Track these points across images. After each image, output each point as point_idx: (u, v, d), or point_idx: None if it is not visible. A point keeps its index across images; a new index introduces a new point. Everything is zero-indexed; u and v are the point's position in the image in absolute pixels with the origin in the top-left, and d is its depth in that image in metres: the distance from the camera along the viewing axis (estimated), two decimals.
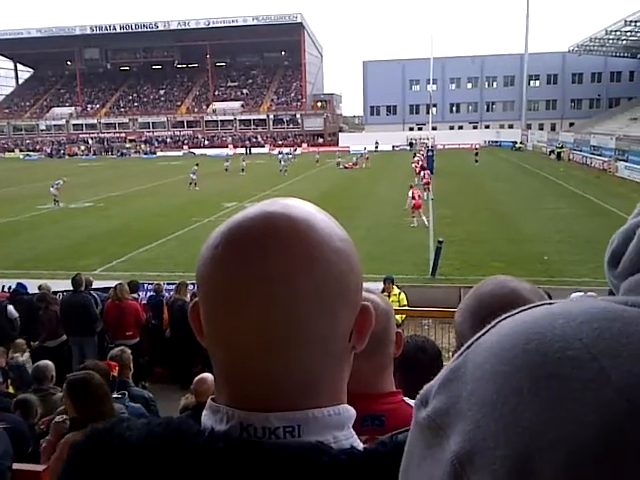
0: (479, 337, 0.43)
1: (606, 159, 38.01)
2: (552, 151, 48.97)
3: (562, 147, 46.85)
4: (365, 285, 0.83)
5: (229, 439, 0.64)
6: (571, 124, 69.44)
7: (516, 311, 0.43)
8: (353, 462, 0.64)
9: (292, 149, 61.67)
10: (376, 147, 62.59)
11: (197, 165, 34.85)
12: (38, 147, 79.42)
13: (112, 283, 9.65)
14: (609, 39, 56.57)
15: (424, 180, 26.89)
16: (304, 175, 39.41)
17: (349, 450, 0.66)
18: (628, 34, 52.34)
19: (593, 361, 0.36)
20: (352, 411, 0.70)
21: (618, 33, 53.02)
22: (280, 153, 50.37)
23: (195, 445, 0.64)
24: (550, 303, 0.42)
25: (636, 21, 46.78)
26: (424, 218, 20.18)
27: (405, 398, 1.50)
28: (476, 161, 43.90)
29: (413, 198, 20.55)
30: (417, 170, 33.49)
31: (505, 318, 0.43)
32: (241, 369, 0.66)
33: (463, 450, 0.38)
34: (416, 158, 39.06)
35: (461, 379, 0.41)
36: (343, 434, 0.68)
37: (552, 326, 0.39)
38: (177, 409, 4.93)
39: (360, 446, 0.68)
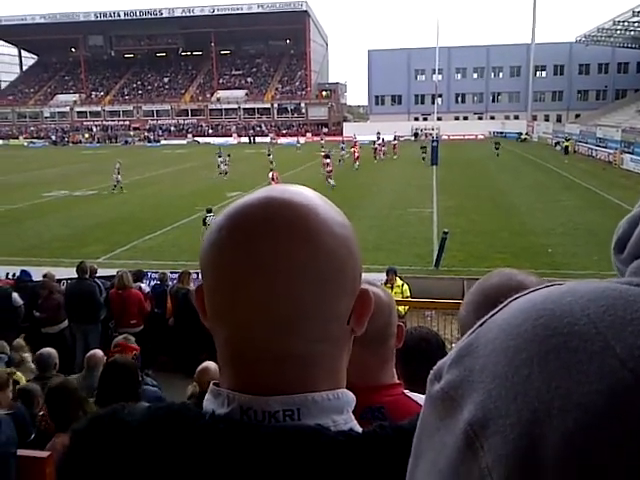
0: (491, 315, 0.45)
1: (612, 151, 37.75)
2: (557, 142, 48.60)
3: (569, 140, 46.28)
4: (368, 276, 0.82)
5: (229, 422, 0.65)
6: (577, 115, 69.02)
7: (527, 291, 0.45)
8: (351, 443, 0.65)
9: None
10: (378, 137, 62.28)
11: (229, 155, 33.71)
12: (42, 134, 79.40)
13: (115, 271, 9.66)
14: (617, 30, 56.06)
15: (327, 168, 27.81)
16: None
17: (347, 432, 0.66)
18: (636, 25, 51.82)
19: (598, 335, 0.37)
20: (351, 396, 0.71)
21: (626, 24, 52.51)
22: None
23: (196, 427, 0.65)
24: (560, 284, 0.44)
25: None
26: None
27: (405, 391, 1.50)
28: (497, 151, 41.70)
29: (273, 180, 23.34)
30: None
31: (516, 298, 0.45)
32: (244, 347, 0.67)
33: (476, 418, 0.39)
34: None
35: (473, 354, 0.43)
36: (342, 418, 0.68)
37: (561, 303, 0.40)
38: (180, 397, 4.95)
39: (359, 429, 0.69)
